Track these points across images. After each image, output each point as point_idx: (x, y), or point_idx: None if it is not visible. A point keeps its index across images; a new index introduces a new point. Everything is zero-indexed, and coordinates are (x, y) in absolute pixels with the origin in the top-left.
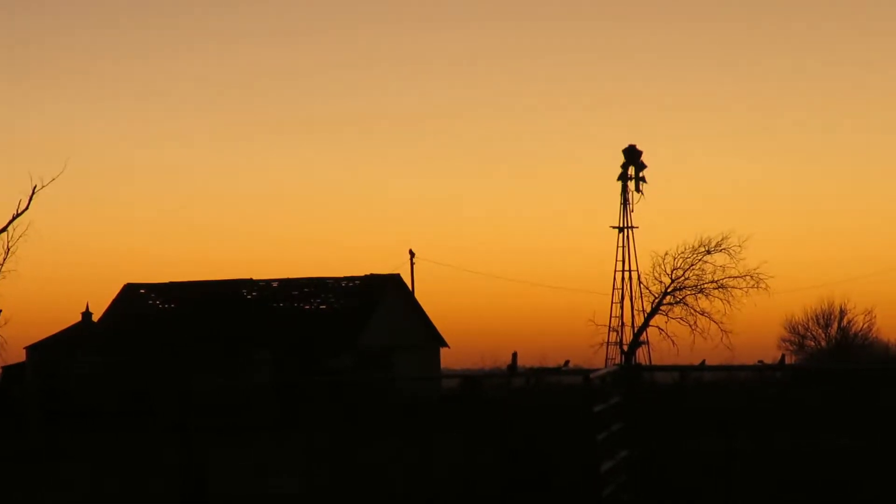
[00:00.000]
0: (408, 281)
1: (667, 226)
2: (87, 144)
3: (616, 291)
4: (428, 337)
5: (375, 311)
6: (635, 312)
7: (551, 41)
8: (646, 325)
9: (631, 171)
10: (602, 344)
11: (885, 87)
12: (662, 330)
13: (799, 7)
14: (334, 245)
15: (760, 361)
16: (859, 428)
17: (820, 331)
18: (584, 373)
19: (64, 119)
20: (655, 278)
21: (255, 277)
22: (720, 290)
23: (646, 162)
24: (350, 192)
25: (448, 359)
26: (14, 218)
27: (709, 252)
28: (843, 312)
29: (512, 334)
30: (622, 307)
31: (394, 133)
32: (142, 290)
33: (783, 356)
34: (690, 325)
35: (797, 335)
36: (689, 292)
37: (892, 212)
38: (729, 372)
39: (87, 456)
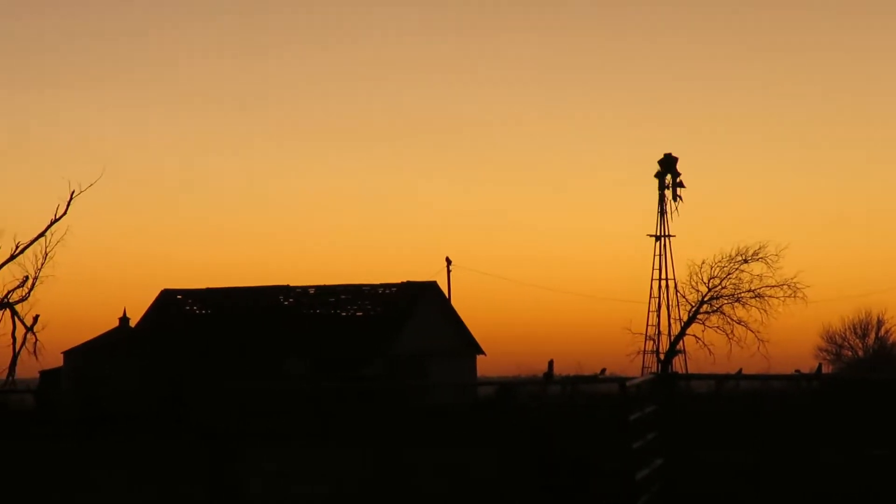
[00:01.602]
0: (444, 288)
1: (704, 234)
2: (124, 150)
3: (653, 300)
4: (464, 344)
5: (411, 318)
6: (672, 321)
7: (589, 52)
8: (682, 333)
9: (668, 179)
10: (638, 352)
11: None
12: (699, 338)
13: (841, 20)
14: (371, 252)
15: (797, 371)
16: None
17: (857, 340)
18: (620, 381)
19: (102, 125)
20: (692, 287)
21: (291, 284)
22: (757, 299)
23: (682, 170)
24: (387, 199)
25: (484, 366)
26: (52, 223)
27: (746, 261)
28: (880, 322)
29: (548, 342)
30: (659, 316)
31: (431, 141)
32: (179, 296)
33: (820, 366)
34: (727, 334)
35: (834, 345)
36: (725, 301)
37: None
38: (765, 381)
39: (122, 460)
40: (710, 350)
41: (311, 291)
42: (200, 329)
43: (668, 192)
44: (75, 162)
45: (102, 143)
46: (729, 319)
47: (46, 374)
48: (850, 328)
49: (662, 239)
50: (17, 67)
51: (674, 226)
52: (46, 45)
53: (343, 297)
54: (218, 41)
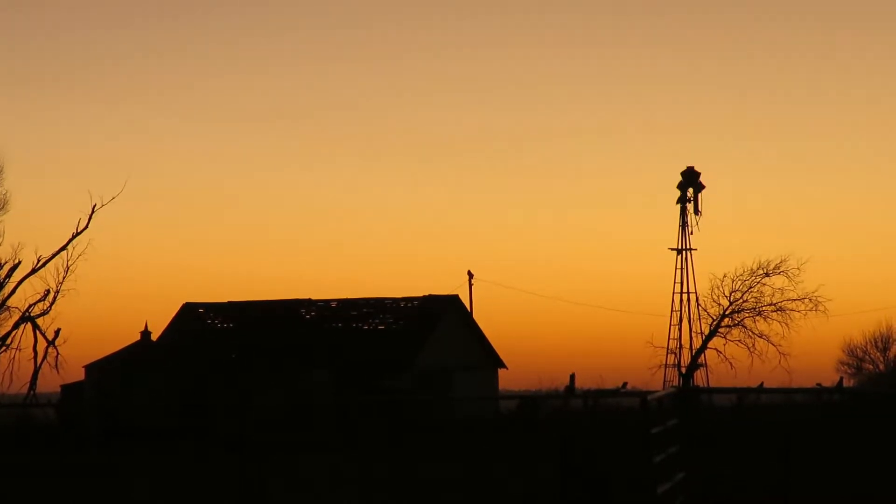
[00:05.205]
0: (466, 302)
1: (725, 248)
2: (146, 164)
3: (674, 314)
4: (486, 358)
5: (433, 331)
6: (693, 335)
7: (610, 66)
8: (704, 347)
9: (689, 193)
10: (660, 366)
11: None
12: (721, 352)
13: (865, 31)
14: (393, 266)
15: (819, 384)
16: None
17: (878, 354)
18: (641, 395)
19: (123, 139)
20: (714, 300)
21: (313, 297)
22: (778, 312)
23: (704, 184)
24: (409, 213)
25: (506, 380)
26: (74, 237)
27: (767, 274)
28: None
29: (570, 356)
30: (680, 329)
31: (453, 155)
32: (200, 310)
33: (841, 379)
34: (749, 348)
35: (855, 358)
36: (747, 315)
37: None
38: (787, 394)
39: (147, 472)
40: (731, 364)
41: (333, 305)
42: (222, 342)
43: (690, 206)
44: (97, 175)
45: (124, 156)
46: (750, 333)
47: (68, 388)
48: (870, 342)
49: (684, 252)
50: (39, 81)
51: (695, 239)
52: (69, 60)
53: (365, 310)
54: (241, 55)
